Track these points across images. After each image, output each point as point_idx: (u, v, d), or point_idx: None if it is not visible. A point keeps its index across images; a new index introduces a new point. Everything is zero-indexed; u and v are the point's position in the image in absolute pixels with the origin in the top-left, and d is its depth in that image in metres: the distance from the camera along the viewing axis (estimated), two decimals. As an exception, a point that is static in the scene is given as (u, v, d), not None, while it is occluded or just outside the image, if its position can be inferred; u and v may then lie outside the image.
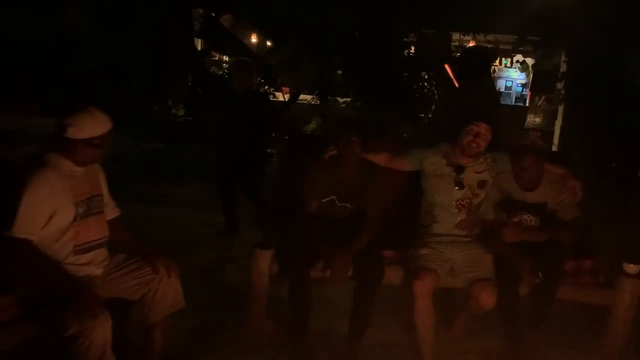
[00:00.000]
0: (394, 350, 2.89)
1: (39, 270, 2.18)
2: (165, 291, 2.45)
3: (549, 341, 2.92)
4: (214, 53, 9.57)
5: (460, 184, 2.88)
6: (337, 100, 8.35)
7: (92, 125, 2.24)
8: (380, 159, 3.03)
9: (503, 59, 11.18)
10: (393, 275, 2.82)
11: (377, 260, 2.80)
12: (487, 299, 2.65)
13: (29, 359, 2.35)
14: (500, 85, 12.26)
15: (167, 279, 2.44)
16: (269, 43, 9.91)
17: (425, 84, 7.40)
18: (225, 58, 9.95)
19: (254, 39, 11.22)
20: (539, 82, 10.18)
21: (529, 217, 2.92)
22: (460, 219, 2.89)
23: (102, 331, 2.13)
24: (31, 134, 4.65)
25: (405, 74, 7.02)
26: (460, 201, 2.88)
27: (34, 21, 6.65)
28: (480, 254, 2.83)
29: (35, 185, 2.15)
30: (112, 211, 2.55)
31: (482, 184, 2.91)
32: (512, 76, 12.27)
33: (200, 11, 7.81)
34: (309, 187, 2.96)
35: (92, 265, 2.38)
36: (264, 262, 2.87)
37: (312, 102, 8.75)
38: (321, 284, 2.89)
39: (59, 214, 2.23)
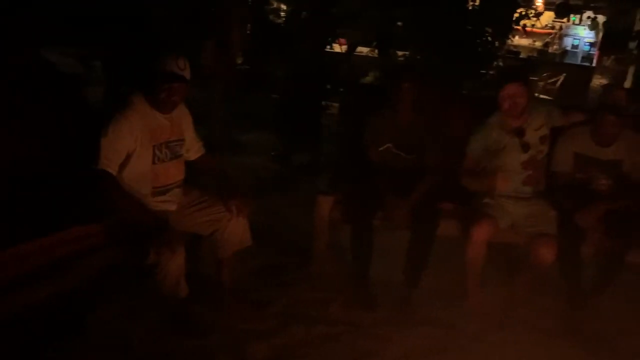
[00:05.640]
0: (449, 297, 2.92)
1: (121, 202, 2.33)
2: (234, 229, 2.58)
3: (611, 301, 2.89)
4: (272, 1, 9.48)
5: (526, 146, 2.86)
6: (396, 53, 8.18)
7: (171, 62, 2.36)
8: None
9: (572, 15, 10.61)
10: (451, 227, 2.86)
11: (433, 211, 2.83)
12: (546, 253, 2.67)
13: (111, 284, 2.55)
14: (567, 43, 11.73)
15: (236, 218, 2.56)
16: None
17: (489, 38, 7.13)
18: (284, 7, 9.84)
19: (312, -13, 11.02)
20: (610, 41, 9.67)
21: (600, 178, 2.85)
22: (527, 175, 2.88)
23: (176, 262, 2.29)
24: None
25: (468, 27, 6.78)
26: (526, 162, 2.88)
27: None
28: (543, 210, 2.82)
29: (117, 123, 2.30)
30: (197, 151, 2.67)
31: (543, 140, 2.89)
32: (579, 34, 11.67)
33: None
34: (367, 134, 3.01)
35: (169, 202, 2.53)
36: (326, 207, 2.96)
37: (370, 55, 8.61)
38: (380, 231, 2.97)
39: (136, 154, 2.36)
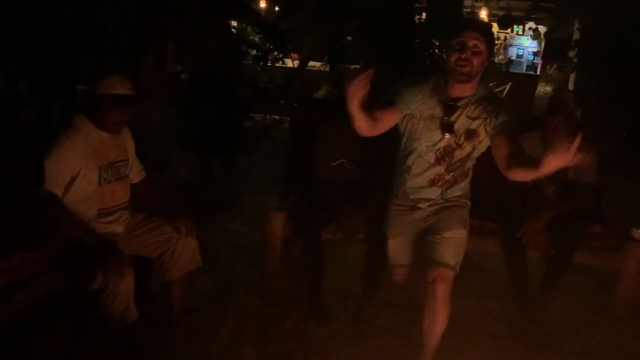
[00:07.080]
0: (403, 307, 2.92)
1: (67, 224, 2.28)
2: (184, 250, 2.53)
3: (557, 302, 2.98)
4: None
5: (449, 127, 2.27)
6: (348, 66, 8.28)
7: (119, 84, 2.34)
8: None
9: (515, 26, 10.99)
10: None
11: None
12: (439, 288, 2.27)
13: (56, 312, 2.45)
14: (512, 53, 12.15)
15: (185, 239, 2.52)
16: (277, 8, 9.77)
17: (436, 50, 7.31)
18: (234, 23, 9.82)
19: (262, 3, 11.07)
20: (552, 50, 10.08)
21: (548, 186, 2.94)
22: (436, 174, 2.38)
23: (126, 285, 2.24)
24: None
25: (416, 40, 6.94)
26: (441, 150, 2.32)
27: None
28: (451, 233, 2.31)
29: (61, 145, 2.27)
30: (138, 174, 2.63)
31: (470, 135, 2.28)
32: (523, 44, 12.14)
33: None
34: (319, 149, 2.99)
35: (115, 224, 2.47)
36: (278, 223, 2.95)
37: (322, 69, 8.68)
38: (334, 245, 2.97)
39: (82, 175, 2.32)
